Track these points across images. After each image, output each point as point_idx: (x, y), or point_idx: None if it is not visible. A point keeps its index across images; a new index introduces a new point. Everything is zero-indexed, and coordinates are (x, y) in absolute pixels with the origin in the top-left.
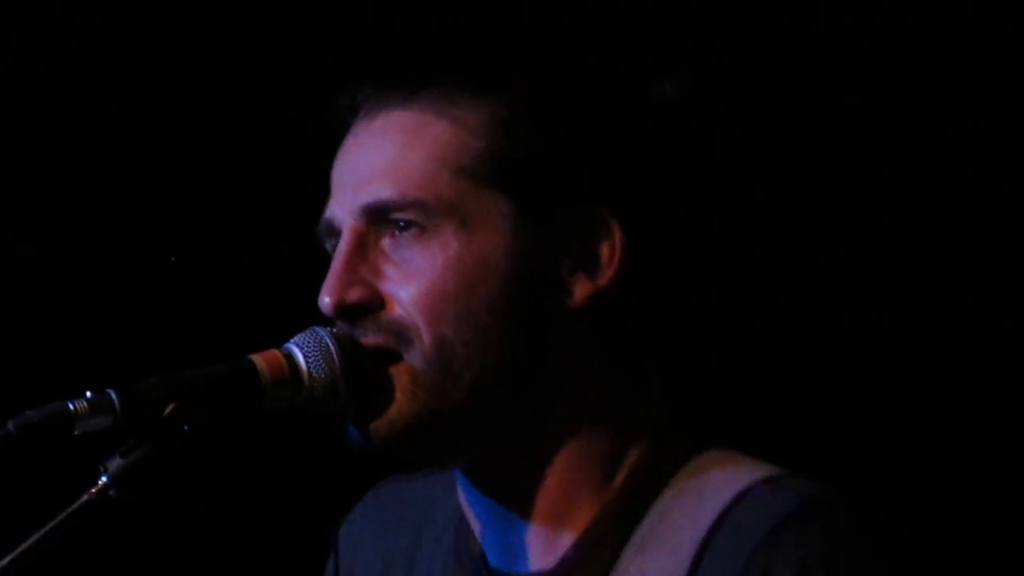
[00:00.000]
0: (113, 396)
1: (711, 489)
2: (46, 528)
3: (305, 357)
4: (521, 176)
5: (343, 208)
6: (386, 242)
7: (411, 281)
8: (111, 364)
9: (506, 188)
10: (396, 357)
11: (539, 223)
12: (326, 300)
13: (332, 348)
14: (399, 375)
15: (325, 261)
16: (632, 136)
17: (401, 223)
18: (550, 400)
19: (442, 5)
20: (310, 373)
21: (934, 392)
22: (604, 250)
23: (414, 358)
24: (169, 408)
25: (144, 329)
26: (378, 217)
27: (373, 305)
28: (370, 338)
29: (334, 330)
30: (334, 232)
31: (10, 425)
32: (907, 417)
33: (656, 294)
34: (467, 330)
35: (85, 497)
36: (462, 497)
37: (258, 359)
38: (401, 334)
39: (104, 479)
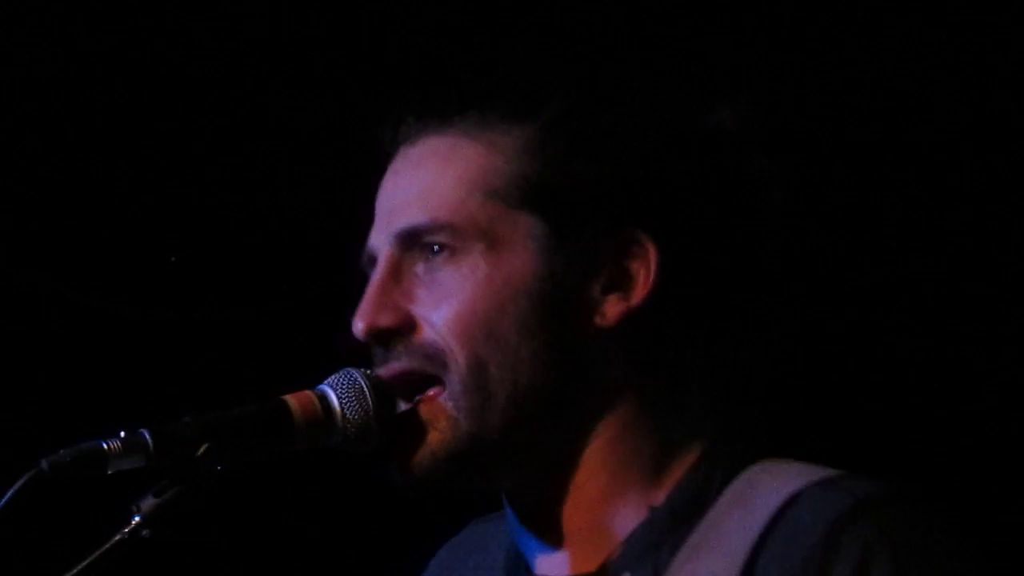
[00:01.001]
0: (147, 436)
1: (764, 493)
2: (79, 568)
3: (338, 397)
4: (553, 197)
5: (381, 236)
6: (420, 267)
7: (442, 304)
8: (146, 403)
9: (538, 209)
10: (432, 381)
11: (571, 243)
12: (358, 325)
13: (365, 388)
14: (434, 407)
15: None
16: (665, 157)
17: (434, 247)
18: (587, 416)
19: (480, 32)
20: (343, 413)
21: (969, 392)
22: (638, 269)
23: (451, 382)
24: (202, 448)
25: (178, 368)
26: (412, 242)
27: (404, 329)
28: (404, 362)
29: (367, 371)
30: (374, 260)
31: (43, 464)
32: (949, 420)
33: (692, 312)
34: (499, 351)
35: (118, 537)
36: (507, 513)
37: (291, 399)
38: (435, 357)
39: (137, 519)
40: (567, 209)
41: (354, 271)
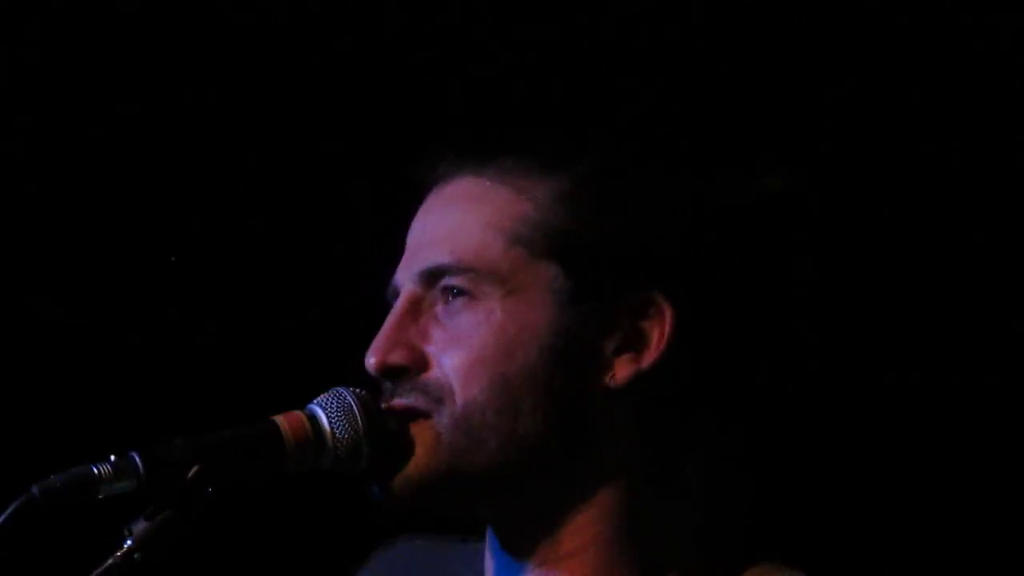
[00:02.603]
0: (137, 459)
1: None
2: None
3: (328, 418)
4: (576, 251)
5: (405, 272)
6: (439, 307)
7: (454, 345)
8: (134, 427)
9: (560, 261)
10: (424, 415)
11: (589, 299)
12: (370, 360)
13: (355, 409)
14: (423, 431)
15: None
16: (695, 223)
17: (454, 289)
18: (585, 479)
19: (526, 77)
20: (333, 434)
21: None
22: (653, 332)
23: (442, 417)
24: (193, 471)
25: (168, 391)
26: (433, 282)
27: (414, 367)
28: (403, 399)
29: (357, 391)
30: (397, 294)
31: (34, 489)
32: (950, 518)
33: (700, 382)
34: (500, 398)
35: (110, 561)
36: (486, 554)
37: (281, 420)
38: (434, 394)
39: (129, 542)
40: (589, 264)
41: (378, 303)
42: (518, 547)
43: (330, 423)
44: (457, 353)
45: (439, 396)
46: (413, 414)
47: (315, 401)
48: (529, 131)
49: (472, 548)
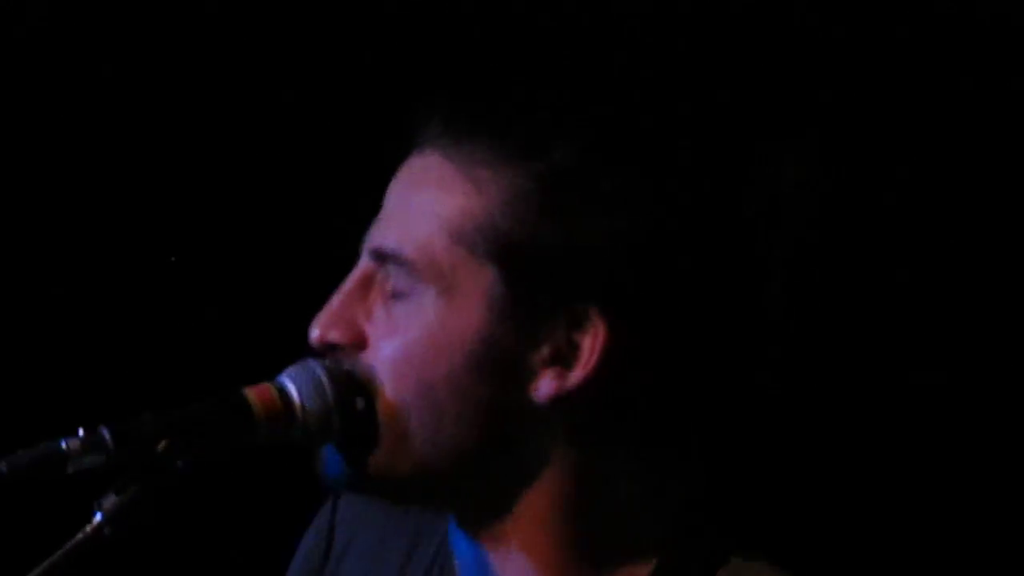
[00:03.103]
0: (106, 434)
1: None
2: (41, 568)
3: (298, 390)
4: (518, 259)
5: (368, 238)
6: (388, 285)
7: (390, 337)
8: (102, 402)
9: (501, 266)
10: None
11: (524, 309)
12: (313, 332)
13: (324, 380)
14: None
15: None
16: (647, 240)
17: (396, 277)
18: (514, 485)
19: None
20: (303, 406)
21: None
22: (584, 348)
23: (377, 414)
24: (162, 445)
25: (136, 365)
26: (382, 261)
27: (353, 347)
28: (347, 367)
29: (327, 362)
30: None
31: (2, 465)
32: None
33: (629, 403)
34: (424, 403)
35: (80, 536)
36: (451, 535)
37: (250, 393)
38: (370, 383)
39: (99, 517)
40: (529, 272)
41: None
42: (468, 528)
43: (300, 395)
44: (391, 346)
45: (372, 388)
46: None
47: (285, 373)
48: (502, 112)
49: (435, 535)
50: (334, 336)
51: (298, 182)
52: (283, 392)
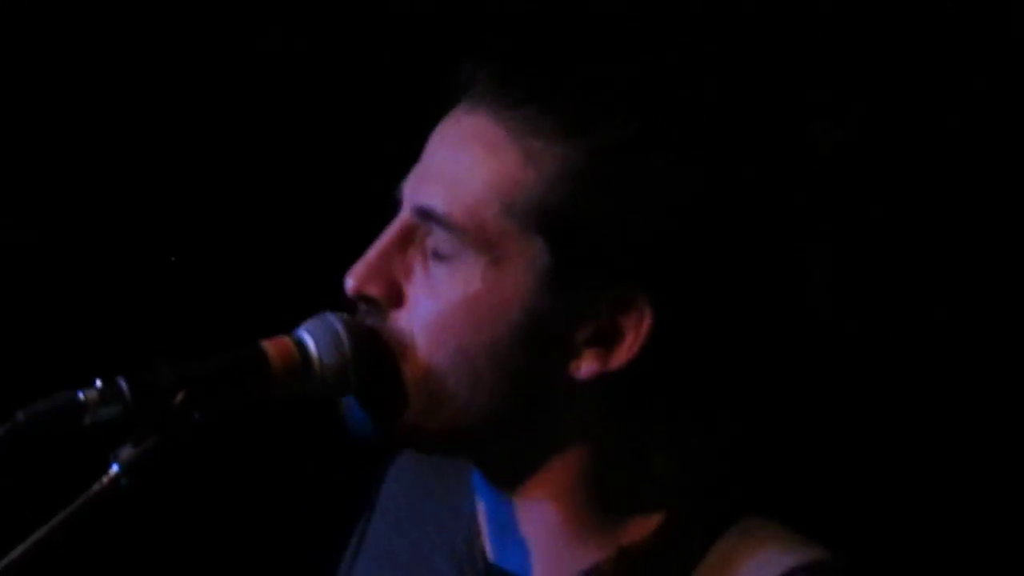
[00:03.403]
0: (123, 385)
1: (759, 562)
2: (58, 518)
3: (316, 343)
4: (568, 234)
5: (410, 191)
6: (429, 242)
7: (429, 298)
8: (119, 353)
9: (549, 240)
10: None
11: (570, 284)
12: (349, 283)
13: (343, 334)
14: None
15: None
16: (697, 226)
17: (442, 237)
18: (543, 453)
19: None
20: (320, 359)
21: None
22: (628, 329)
23: (407, 368)
24: (179, 396)
25: (154, 317)
26: (426, 219)
27: (389, 302)
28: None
29: (345, 316)
30: (398, 205)
31: (20, 416)
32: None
33: (672, 388)
34: (461, 369)
35: (96, 487)
36: (475, 484)
37: (268, 345)
38: (401, 342)
39: (115, 468)
40: (578, 248)
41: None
42: (492, 482)
43: (317, 348)
44: (429, 309)
45: (402, 348)
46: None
47: (302, 326)
48: (559, 83)
49: (466, 489)
50: (372, 289)
51: (320, 131)
52: (301, 345)
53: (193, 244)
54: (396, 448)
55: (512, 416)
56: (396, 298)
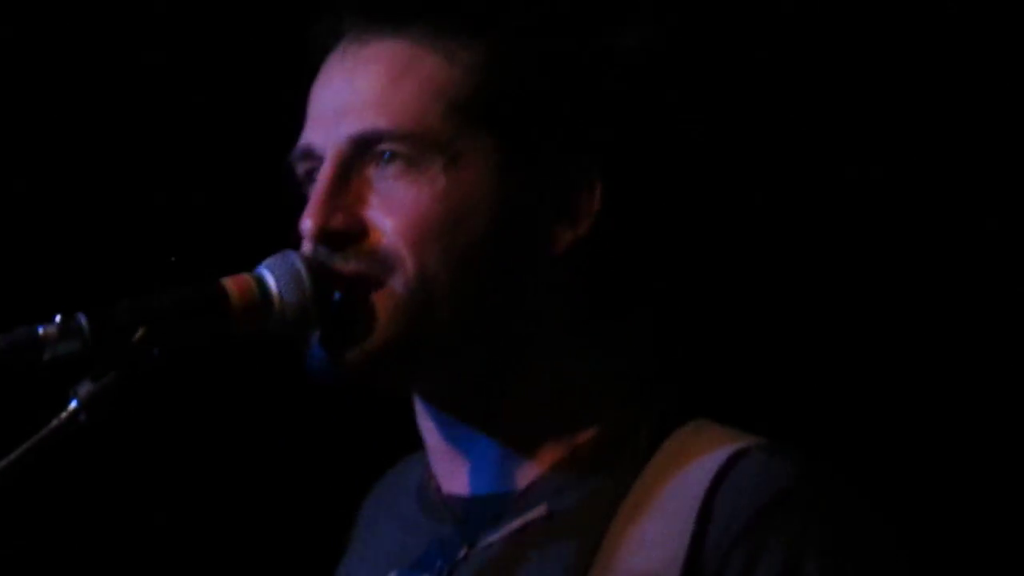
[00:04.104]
0: (82, 320)
1: (703, 452)
2: (15, 454)
3: (276, 280)
4: (511, 117)
5: (325, 135)
6: (371, 172)
7: (396, 212)
8: (79, 290)
9: (496, 128)
10: (376, 284)
11: (525, 167)
12: (308, 223)
13: (303, 272)
14: (380, 301)
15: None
16: (619, 87)
17: (387, 154)
18: (525, 338)
19: None
20: (280, 297)
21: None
22: (584, 200)
23: (396, 284)
24: (139, 332)
25: (114, 253)
26: (365, 147)
27: (355, 233)
28: (351, 265)
29: (306, 254)
30: (311, 157)
31: None
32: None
33: (632, 248)
34: (451, 263)
35: (55, 422)
36: (421, 425)
37: (228, 282)
38: (384, 262)
39: (74, 404)
40: (524, 130)
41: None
42: (455, 415)
43: (277, 285)
44: (402, 220)
45: (389, 264)
46: (365, 281)
47: (263, 264)
48: None
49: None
50: (337, 223)
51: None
52: (261, 282)
53: (157, 184)
54: (355, 386)
55: (500, 309)
56: (361, 227)
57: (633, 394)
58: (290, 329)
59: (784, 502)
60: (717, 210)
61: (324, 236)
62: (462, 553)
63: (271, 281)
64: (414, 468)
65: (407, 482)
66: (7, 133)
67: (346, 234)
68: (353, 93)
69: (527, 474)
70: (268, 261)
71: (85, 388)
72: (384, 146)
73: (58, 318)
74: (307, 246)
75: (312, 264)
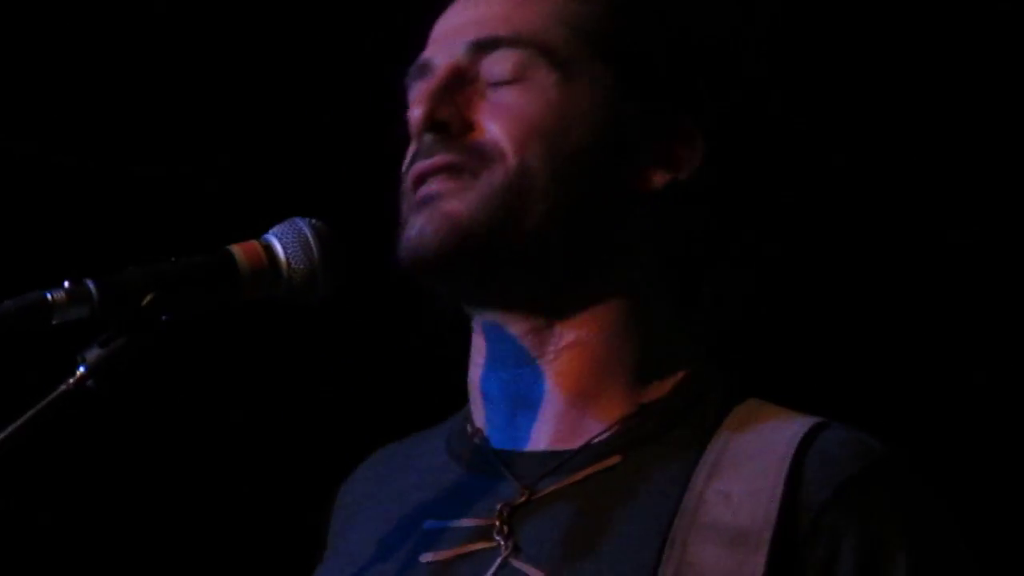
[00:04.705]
0: (91, 286)
1: (779, 421)
2: (22, 419)
3: (284, 247)
4: (630, 55)
5: (444, 50)
6: (484, 83)
7: (504, 114)
8: (90, 256)
9: (613, 63)
10: (473, 175)
11: (635, 105)
12: (416, 111)
13: (310, 237)
14: (476, 188)
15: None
16: (739, 62)
17: (507, 63)
18: (606, 268)
19: None
20: (288, 263)
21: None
22: (685, 153)
23: (495, 175)
24: (147, 298)
25: (125, 221)
26: (483, 53)
27: (461, 128)
28: (451, 156)
29: (314, 221)
30: (428, 71)
31: None
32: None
33: (717, 216)
34: (552, 163)
35: (63, 387)
36: (473, 374)
37: (236, 249)
38: (485, 155)
39: (82, 369)
40: (637, 72)
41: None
42: (515, 339)
43: (285, 252)
44: (510, 121)
45: (490, 156)
46: (459, 170)
47: (271, 231)
48: None
49: (442, 427)
50: (442, 113)
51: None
52: (269, 249)
53: (166, 153)
54: (441, 276)
55: (592, 225)
56: (468, 124)
57: (701, 357)
58: (298, 295)
59: (873, 475)
60: (798, 194)
61: (431, 124)
62: (522, 498)
63: (279, 248)
64: (416, 444)
65: (412, 452)
66: (18, 95)
67: (452, 125)
68: (476, 15)
69: (592, 427)
70: (276, 228)
71: (93, 354)
72: (501, 52)
73: (67, 283)
74: (412, 144)
75: (320, 231)
